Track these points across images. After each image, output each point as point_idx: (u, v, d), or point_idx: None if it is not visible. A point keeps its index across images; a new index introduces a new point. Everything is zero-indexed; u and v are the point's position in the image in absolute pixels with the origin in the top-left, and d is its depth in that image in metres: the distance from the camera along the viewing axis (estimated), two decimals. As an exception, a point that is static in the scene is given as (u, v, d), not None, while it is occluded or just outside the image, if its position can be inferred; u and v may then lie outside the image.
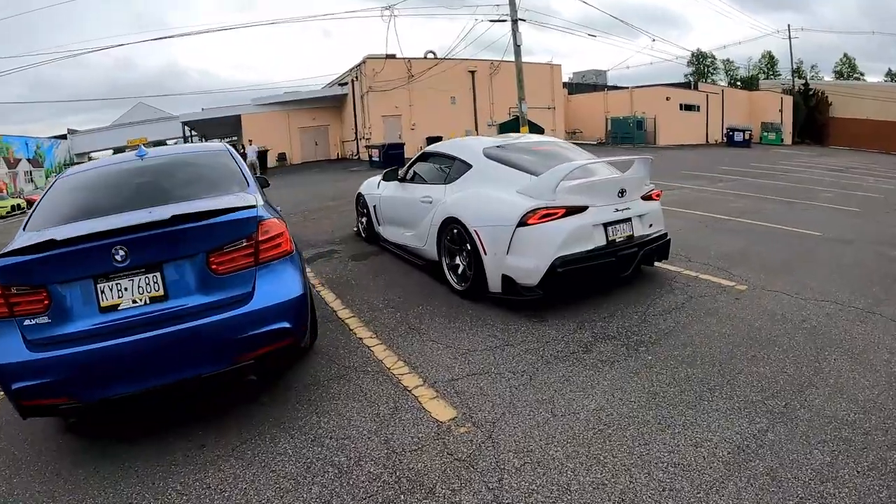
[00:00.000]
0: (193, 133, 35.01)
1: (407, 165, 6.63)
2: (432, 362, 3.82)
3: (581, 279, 4.58)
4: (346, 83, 31.08)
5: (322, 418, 3.19)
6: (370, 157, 25.14)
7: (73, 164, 47.31)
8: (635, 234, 4.88)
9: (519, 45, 19.65)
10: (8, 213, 29.30)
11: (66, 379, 2.77)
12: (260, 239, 3.10)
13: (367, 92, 27.86)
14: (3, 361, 2.77)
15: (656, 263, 5.50)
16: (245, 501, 2.52)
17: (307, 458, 2.82)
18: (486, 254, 4.67)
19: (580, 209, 4.54)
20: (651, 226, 5.12)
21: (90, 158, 48.88)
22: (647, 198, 5.12)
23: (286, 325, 3.08)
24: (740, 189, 12.93)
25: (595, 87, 44.46)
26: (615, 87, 42.82)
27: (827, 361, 3.56)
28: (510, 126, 23.95)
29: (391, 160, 22.71)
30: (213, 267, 2.99)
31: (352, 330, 4.54)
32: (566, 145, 6.11)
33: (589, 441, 2.80)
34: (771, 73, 68.89)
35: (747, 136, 34.61)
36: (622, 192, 4.79)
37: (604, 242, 4.65)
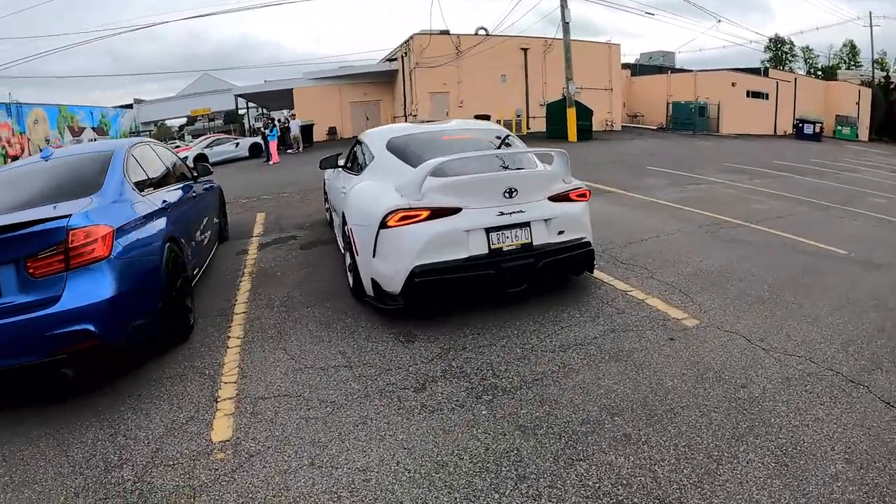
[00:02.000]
0: (250, 105, 35.06)
1: (346, 151, 6.04)
2: (262, 375, 3.47)
3: (454, 291, 3.93)
4: (396, 59, 30.07)
5: (135, 415, 3.12)
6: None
7: (138, 132, 49.15)
8: (535, 243, 4.01)
9: (567, 22, 17.96)
10: None
11: None
12: (70, 246, 3.24)
13: (414, 68, 26.78)
14: None
15: (606, 278, 4.70)
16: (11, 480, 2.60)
17: (94, 450, 2.80)
18: (358, 254, 4.16)
19: (451, 211, 3.76)
20: (562, 233, 4.16)
21: (156, 126, 50.72)
22: (560, 199, 4.18)
23: (89, 327, 3.18)
24: (779, 188, 11.03)
25: (661, 70, 41.31)
26: (681, 70, 39.60)
27: (741, 466, 2.32)
28: (558, 106, 22.36)
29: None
30: (31, 271, 3.20)
31: (230, 328, 4.22)
32: (492, 135, 5.07)
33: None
34: (853, 63, 61.94)
35: (818, 129, 31.05)
36: (510, 192, 3.91)
37: (485, 251, 3.87)
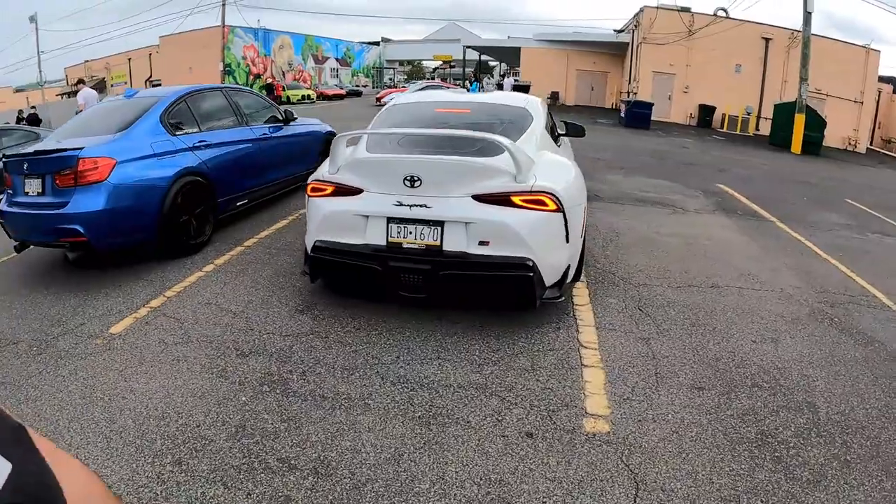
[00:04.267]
0: (483, 57, 35.77)
1: None
2: (193, 291, 4.23)
3: (347, 278, 3.73)
4: (627, 31, 27.73)
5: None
6: (620, 112, 22.37)
7: (382, 67, 53.15)
8: (446, 248, 3.27)
9: (809, 12, 14.74)
10: (298, 100, 34.64)
11: None
12: (79, 169, 4.25)
13: (641, 43, 24.35)
14: None
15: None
16: None
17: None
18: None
19: (351, 191, 3.46)
20: (486, 244, 3.24)
21: (410, 64, 54.08)
22: (492, 200, 3.25)
23: (78, 228, 4.23)
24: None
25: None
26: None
27: None
28: (786, 109, 18.63)
29: (635, 120, 20.03)
30: (56, 182, 4.34)
31: (218, 257, 4.89)
32: (506, 113, 4.23)
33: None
34: None
35: None
36: (413, 181, 3.26)
37: (382, 243, 3.38)
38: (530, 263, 3.18)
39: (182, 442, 2.46)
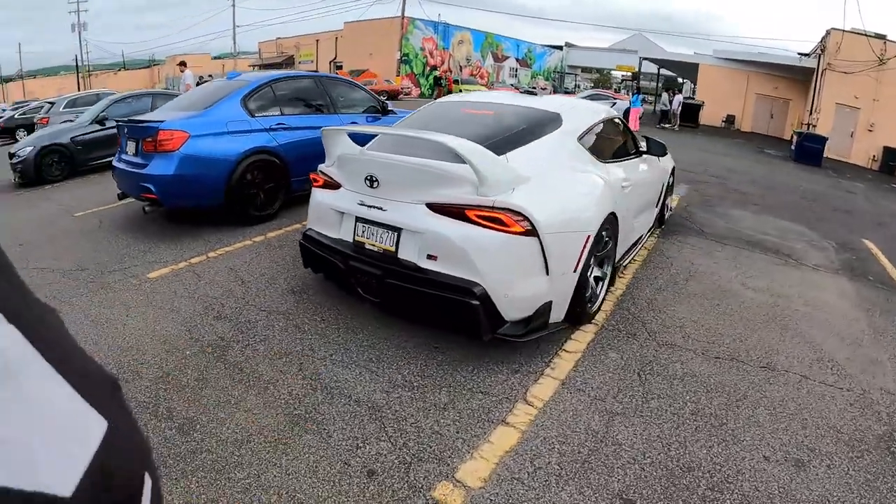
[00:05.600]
0: (663, 71, 33.01)
1: None
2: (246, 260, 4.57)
3: (324, 271, 3.63)
4: (812, 56, 23.58)
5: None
6: (792, 145, 19.29)
7: (564, 72, 51.59)
8: (401, 255, 2.99)
9: None
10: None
11: None
12: (158, 139, 4.82)
13: (825, 70, 20.54)
14: None
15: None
16: None
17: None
18: None
19: (335, 185, 3.39)
20: (433, 258, 2.86)
21: (598, 72, 52.00)
22: (446, 212, 2.84)
23: (150, 187, 4.83)
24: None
25: None
26: None
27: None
28: None
29: (804, 154, 17.12)
30: (143, 147, 4.97)
31: (279, 233, 5.18)
32: (531, 114, 3.74)
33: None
34: None
35: None
36: (372, 181, 3.08)
37: (350, 240, 3.25)
38: (477, 291, 2.70)
39: (124, 370, 2.85)
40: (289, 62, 46.90)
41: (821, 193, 10.76)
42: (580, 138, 3.66)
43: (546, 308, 2.95)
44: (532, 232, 2.75)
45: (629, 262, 4.63)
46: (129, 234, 5.26)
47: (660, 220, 5.93)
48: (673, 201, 7.70)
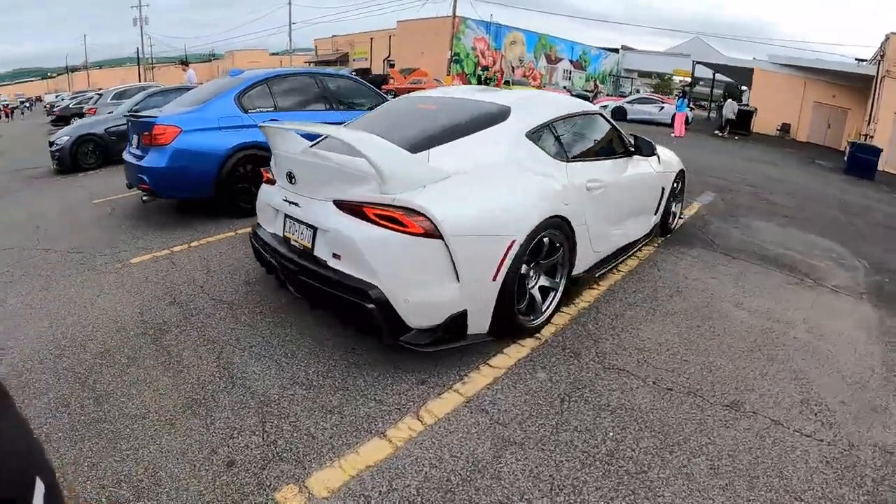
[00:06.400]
0: (717, 75, 31.15)
1: None
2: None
3: (269, 266, 3.42)
4: (872, 62, 21.43)
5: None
6: (845, 156, 17.66)
7: (620, 76, 49.85)
8: (316, 253, 2.85)
9: None
10: None
11: None
12: (153, 133, 5.03)
13: (882, 78, 18.58)
14: None
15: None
16: None
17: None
18: None
19: (270, 181, 3.36)
20: (337, 258, 2.69)
21: (658, 77, 50.01)
22: (349, 210, 2.65)
23: (145, 178, 5.06)
24: None
25: None
26: None
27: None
28: None
29: (856, 166, 15.65)
30: (143, 141, 5.18)
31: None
32: (481, 108, 3.44)
33: None
34: None
35: None
36: (291, 177, 3.02)
37: (281, 234, 3.18)
38: (373, 294, 2.50)
39: (75, 344, 3.08)
40: (343, 59, 47.44)
41: (865, 207, 9.61)
42: (531, 134, 3.32)
43: (460, 318, 2.67)
44: (435, 233, 2.49)
45: (608, 273, 4.08)
46: (131, 222, 5.62)
47: (663, 229, 5.29)
48: (691, 209, 6.98)
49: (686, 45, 44.35)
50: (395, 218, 2.48)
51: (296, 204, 2.95)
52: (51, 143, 9.86)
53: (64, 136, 9.75)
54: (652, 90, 49.44)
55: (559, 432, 2.35)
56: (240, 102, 5.41)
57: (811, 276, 4.88)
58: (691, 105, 26.62)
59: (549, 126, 3.47)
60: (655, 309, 3.73)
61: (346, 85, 6.59)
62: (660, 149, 5.17)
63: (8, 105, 41.71)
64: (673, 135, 18.57)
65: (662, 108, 24.38)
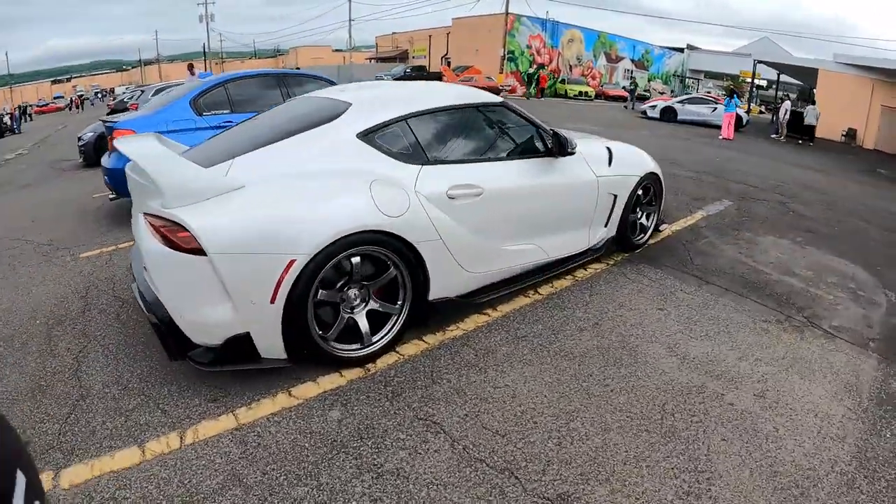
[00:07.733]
0: (779, 73, 28.30)
1: None
2: None
3: None
4: None
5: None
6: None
7: (685, 76, 46.60)
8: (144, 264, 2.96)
9: None
10: (574, 95, 32.29)
11: None
12: (114, 135, 5.06)
13: None
14: None
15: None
16: None
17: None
18: None
19: None
20: (146, 270, 2.65)
21: (730, 78, 46.42)
22: (147, 224, 2.48)
23: (106, 177, 5.39)
24: None
25: None
26: None
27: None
28: None
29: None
30: (111, 141, 5.29)
31: None
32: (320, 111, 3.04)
33: None
34: None
35: None
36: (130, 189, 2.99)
37: None
38: (157, 311, 2.46)
39: (15, 329, 3.17)
40: (403, 56, 47.13)
41: (916, 226, 7.84)
42: (366, 134, 2.81)
43: (244, 339, 2.37)
44: (195, 250, 2.24)
45: (516, 295, 3.19)
46: (109, 218, 5.76)
47: (623, 244, 4.26)
48: (691, 218, 5.81)
49: (754, 44, 40.79)
50: (164, 233, 2.29)
51: (132, 214, 2.90)
52: (79, 138, 10.03)
53: (89, 131, 9.99)
54: (723, 92, 45.95)
55: (297, 486, 1.92)
56: (195, 106, 5.52)
57: (803, 313, 3.70)
58: (750, 106, 24.16)
59: (397, 124, 2.91)
60: (546, 347, 2.81)
61: (310, 85, 6.35)
62: (620, 147, 4.21)
63: (81, 96, 44.53)
64: (720, 137, 16.89)
65: (715, 108, 22.29)
